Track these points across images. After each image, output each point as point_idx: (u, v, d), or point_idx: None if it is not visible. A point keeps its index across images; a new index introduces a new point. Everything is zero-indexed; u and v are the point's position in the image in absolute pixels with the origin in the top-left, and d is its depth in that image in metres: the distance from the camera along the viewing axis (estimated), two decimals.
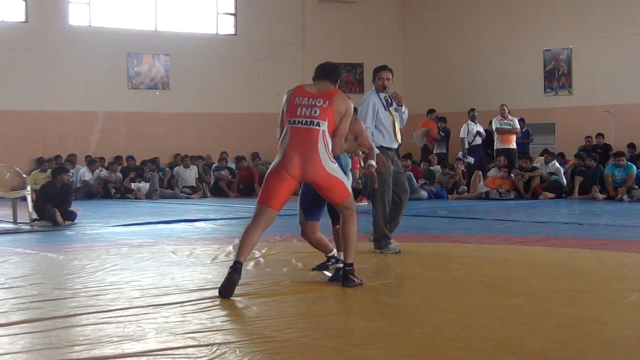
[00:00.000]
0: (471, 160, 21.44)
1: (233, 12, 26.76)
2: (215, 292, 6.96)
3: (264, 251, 9.69)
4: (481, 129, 21.87)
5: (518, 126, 21.54)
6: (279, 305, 6.54)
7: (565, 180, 20.31)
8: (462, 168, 21.27)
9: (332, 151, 7.08)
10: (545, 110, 25.14)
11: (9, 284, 7.75)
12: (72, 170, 21.90)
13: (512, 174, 20.06)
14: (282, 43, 27.00)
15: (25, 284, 7.77)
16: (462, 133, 21.91)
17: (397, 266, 8.62)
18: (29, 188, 14.78)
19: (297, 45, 27.38)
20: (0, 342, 5.46)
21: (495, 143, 21.50)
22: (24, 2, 23.72)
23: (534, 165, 20.63)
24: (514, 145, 21.26)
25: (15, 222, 14.19)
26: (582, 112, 24.52)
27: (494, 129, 21.45)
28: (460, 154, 22.01)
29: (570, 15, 25.11)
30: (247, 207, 17.51)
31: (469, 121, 21.97)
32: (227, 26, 26.81)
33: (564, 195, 19.75)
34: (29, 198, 14.53)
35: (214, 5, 26.52)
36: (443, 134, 23.55)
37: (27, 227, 13.67)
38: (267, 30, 26.78)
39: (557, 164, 20.68)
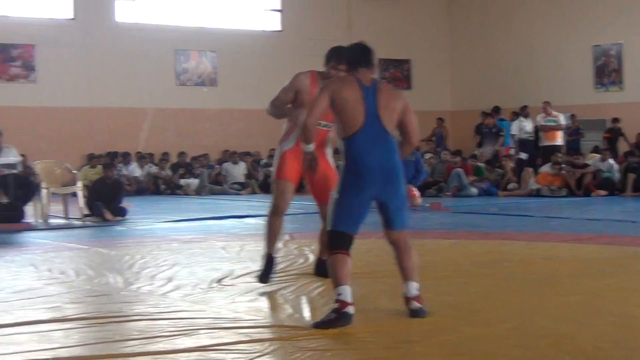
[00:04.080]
0: (524, 156, 21.31)
1: (279, 8, 26.80)
2: (266, 288, 7.01)
3: (313, 247, 9.68)
4: (531, 127, 21.72)
5: (563, 122, 21.40)
6: (330, 303, 6.52)
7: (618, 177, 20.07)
8: (511, 165, 21.13)
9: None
10: (595, 106, 24.88)
11: (62, 279, 7.83)
12: (119, 166, 22.06)
13: (563, 171, 19.86)
14: (328, 39, 26.54)
15: (78, 278, 7.85)
16: (514, 129, 21.77)
17: (448, 264, 8.58)
18: (79, 184, 14.91)
19: (343, 42, 26.54)
20: (54, 336, 5.52)
21: (540, 140, 21.38)
22: (71, 0, 23.91)
23: (586, 162, 20.42)
24: (559, 142, 21.11)
25: (66, 217, 14.32)
26: (634, 108, 24.23)
27: (538, 126, 21.36)
28: (512, 151, 21.90)
29: (620, 10, 24.84)
30: (295, 203, 17.49)
31: (521, 118, 21.84)
32: (274, 22, 26.85)
33: (616, 192, 19.50)
34: (79, 194, 14.65)
35: (260, 2, 26.57)
36: (495, 132, 23.32)
37: (79, 223, 13.80)
38: (312, 27, 26.75)
39: (611, 161, 20.43)
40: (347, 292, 5.70)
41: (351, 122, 5.89)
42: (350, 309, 5.66)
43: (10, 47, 23.17)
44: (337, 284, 5.75)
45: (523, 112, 21.97)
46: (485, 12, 27.96)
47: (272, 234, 7.44)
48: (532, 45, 26.50)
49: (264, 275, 7.33)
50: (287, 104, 7.43)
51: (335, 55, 7.23)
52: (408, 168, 15.83)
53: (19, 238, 11.73)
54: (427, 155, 21.89)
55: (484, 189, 20.12)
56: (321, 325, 5.64)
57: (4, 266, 8.73)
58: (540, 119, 21.29)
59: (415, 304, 5.91)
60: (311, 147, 6.09)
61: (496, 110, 23.56)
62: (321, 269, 7.59)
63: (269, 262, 7.38)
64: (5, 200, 13.45)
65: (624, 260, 8.92)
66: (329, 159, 7.46)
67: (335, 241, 5.88)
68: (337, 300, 5.70)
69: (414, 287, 5.95)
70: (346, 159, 5.92)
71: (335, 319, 5.63)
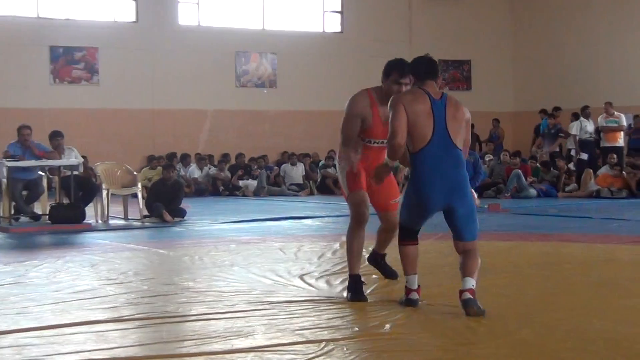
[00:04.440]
0: (585, 156, 21.08)
1: (339, 10, 26.82)
2: (322, 290, 6.99)
3: (369, 248, 9.65)
4: (592, 127, 21.48)
5: (624, 123, 21.14)
6: (387, 304, 6.51)
7: None
8: (570, 166, 20.95)
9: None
10: None
11: (120, 280, 7.89)
12: (178, 166, 22.22)
13: (623, 172, 19.62)
14: (389, 40, 26.91)
15: (136, 279, 7.91)
16: (575, 130, 21.53)
17: (506, 265, 8.52)
18: (139, 185, 15.04)
19: (403, 43, 27.29)
20: (111, 336, 5.57)
21: (601, 141, 21.14)
22: (134, 3, 24.18)
23: None
24: (620, 143, 20.86)
25: (126, 218, 14.46)
26: None
27: (599, 127, 21.13)
28: (573, 152, 21.67)
29: None
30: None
31: (582, 118, 21.59)
32: (334, 24, 26.88)
33: None
34: (139, 195, 14.78)
35: (321, 4, 26.62)
36: (554, 132, 23.06)
37: (138, 224, 13.92)
38: (373, 28, 26.75)
39: None
40: (413, 280, 6.35)
41: (420, 136, 6.05)
42: (414, 295, 6.32)
43: (73, 50, 23.48)
44: (405, 273, 6.40)
45: (584, 112, 21.71)
46: (548, 12, 27.69)
47: (355, 250, 6.87)
48: (595, 44, 26.21)
49: (356, 294, 6.70)
50: (357, 133, 6.81)
51: (397, 68, 6.78)
52: (467, 169, 15.76)
53: (79, 238, 11.86)
54: (487, 157, 21.80)
55: (543, 190, 19.95)
56: (401, 302, 6.41)
57: (64, 266, 8.82)
58: (602, 120, 21.03)
59: (467, 294, 6.01)
60: (396, 163, 6.41)
61: (545, 111, 23.39)
62: (372, 259, 7.75)
63: (356, 282, 6.79)
64: (66, 201, 13.62)
65: None
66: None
67: (405, 234, 6.40)
68: (405, 287, 6.39)
69: (469, 282, 6.07)
70: (413, 173, 6.14)
71: (404, 302, 6.38)
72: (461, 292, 6.03)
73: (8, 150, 13.58)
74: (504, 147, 24.42)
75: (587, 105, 21.91)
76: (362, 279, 6.95)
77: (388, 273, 7.63)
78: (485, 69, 28.38)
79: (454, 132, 6.08)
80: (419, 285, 6.35)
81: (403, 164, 6.73)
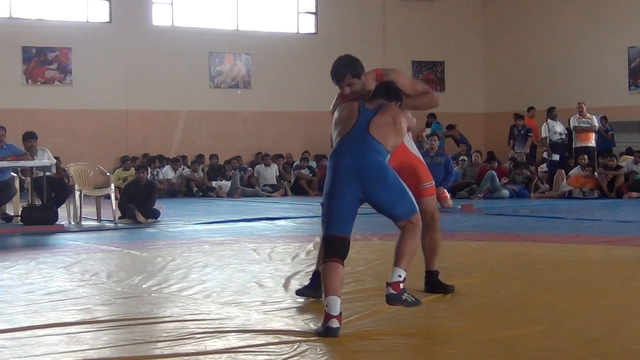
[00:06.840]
0: (556, 157, 21.19)
1: (314, 11, 26.82)
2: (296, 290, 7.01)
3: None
4: (561, 128, 21.58)
5: (597, 124, 21.27)
6: (360, 305, 6.52)
7: None
8: (543, 167, 21.09)
9: None
10: (630, 108, 24.72)
11: (93, 281, 7.88)
12: (157, 169, 22.18)
13: (595, 173, 19.74)
14: (363, 42, 26.88)
15: (109, 280, 7.89)
16: (544, 132, 21.62)
17: (479, 266, 8.55)
18: (112, 186, 14.99)
19: (377, 44, 27.32)
20: (84, 337, 5.55)
21: (573, 142, 21.25)
22: (107, 3, 24.09)
23: (618, 164, 20.28)
24: (592, 144, 20.96)
25: (99, 219, 14.41)
26: None
27: (572, 128, 21.24)
28: (545, 154, 21.78)
29: None
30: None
31: (549, 120, 21.67)
32: (308, 25, 26.88)
33: None
34: (112, 196, 14.74)
35: (295, 5, 26.61)
36: (523, 133, 23.14)
37: (111, 225, 13.87)
38: (347, 29, 26.75)
39: None
40: (333, 304, 5.55)
41: (342, 130, 6.03)
42: (334, 323, 5.49)
43: (46, 50, 23.37)
44: (326, 294, 5.64)
45: (550, 114, 21.78)
46: (519, 13, 27.82)
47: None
48: (566, 46, 26.34)
49: (307, 289, 6.73)
50: None
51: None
52: (438, 170, 15.85)
53: (51, 240, 11.81)
54: (460, 158, 21.86)
55: (516, 191, 20.05)
56: (315, 333, 5.58)
57: (37, 268, 8.78)
58: (574, 120, 21.14)
59: (390, 290, 5.71)
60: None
61: (518, 114, 23.51)
62: (428, 283, 7.09)
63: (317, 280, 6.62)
64: (38, 202, 13.55)
65: None
66: (412, 150, 6.88)
67: (330, 247, 5.83)
68: (325, 312, 5.57)
69: (396, 274, 5.74)
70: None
71: (321, 332, 5.53)
72: (386, 284, 5.77)
73: None
74: (475, 147, 24.51)
75: (553, 107, 21.96)
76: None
77: (448, 290, 6.99)
78: (458, 70, 28.46)
79: (376, 132, 5.91)
80: (340, 312, 5.59)
81: None
